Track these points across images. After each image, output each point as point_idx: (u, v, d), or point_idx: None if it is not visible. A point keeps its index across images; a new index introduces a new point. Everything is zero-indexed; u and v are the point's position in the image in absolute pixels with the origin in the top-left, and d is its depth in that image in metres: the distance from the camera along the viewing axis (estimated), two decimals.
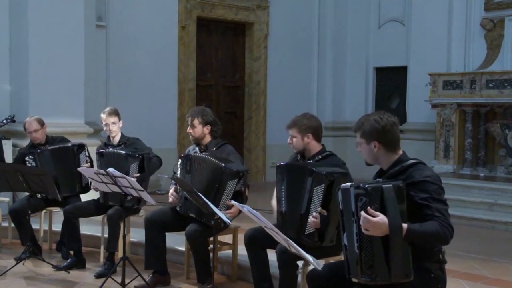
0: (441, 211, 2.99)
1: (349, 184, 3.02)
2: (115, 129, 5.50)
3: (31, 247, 5.41)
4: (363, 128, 3.19)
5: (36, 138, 5.77)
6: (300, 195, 3.99)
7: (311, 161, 4.15)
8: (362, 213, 2.88)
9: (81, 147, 5.80)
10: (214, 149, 4.91)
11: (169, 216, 4.93)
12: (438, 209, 2.98)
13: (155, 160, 5.42)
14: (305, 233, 3.95)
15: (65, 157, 5.73)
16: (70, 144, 5.81)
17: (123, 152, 5.23)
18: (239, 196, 4.62)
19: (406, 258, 2.93)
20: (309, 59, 11.32)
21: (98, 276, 5.14)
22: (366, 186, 2.92)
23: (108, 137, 5.58)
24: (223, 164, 4.60)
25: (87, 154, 5.78)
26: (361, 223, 2.88)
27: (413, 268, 2.96)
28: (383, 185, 2.92)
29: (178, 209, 4.86)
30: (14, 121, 7.24)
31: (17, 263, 5.29)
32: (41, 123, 5.81)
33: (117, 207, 5.22)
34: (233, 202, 4.02)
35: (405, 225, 2.90)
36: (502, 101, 8.29)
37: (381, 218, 2.86)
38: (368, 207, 2.88)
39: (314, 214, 3.84)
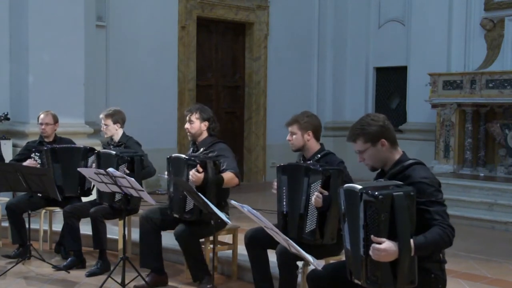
0: (440, 214, 2.98)
1: (357, 187, 2.95)
2: (107, 131, 5.58)
3: (24, 246, 5.47)
4: (366, 133, 3.16)
5: (45, 131, 5.84)
6: (299, 194, 4.02)
7: (310, 161, 4.17)
8: (373, 245, 2.83)
9: (92, 150, 5.84)
10: (204, 148, 4.90)
11: (164, 215, 4.93)
12: (437, 212, 2.97)
13: (149, 170, 5.41)
14: (306, 231, 3.97)
15: (74, 158, 5.75)
16: (82, 146, 5.86)
17: (113, 152, 5.23)
18: (204, 186, 4.60)
19: (413, 267, 2.91)
20: (309, 59, 11.32)
21: (90, 274, 5.18)
22: (376, 193, 2.83)
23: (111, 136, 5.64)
24: (184, 156, 4.69)
25: (94, 159, 5.79)
26: (371, 253, 2.84)
27: None
28: (394, 193, 2.86)
29: (167, 210, 4.88)
30: (8, 119, 7.24)
31: (15, 265, 5.30)
32: (55, 120, 5.89)
33: (100, 206, 5.31)
34: (233, 202, 4.02)
35: (412, 243, 2.86)
36: (502, 101, 8.29)
37: (388, 246, 2.82)
38: (372, 236, 2.83)
39: (316, 193, 3.85)
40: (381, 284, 2.89)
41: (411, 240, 2.87)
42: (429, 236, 2.92)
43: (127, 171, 5.07)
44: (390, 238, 2.85)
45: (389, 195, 2.85)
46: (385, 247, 2.81)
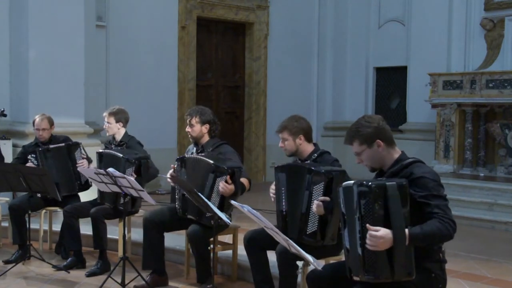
0: (441, 207, 2.99)
1: (351, 182, 3.01)
2: (109, 129, 5.57)
3: (23, 247, 5.49)
4: (361, 134, 3.18)
5: (41, 136, 5.82)
6: (300, 195, 4.01)
7: (308, 161, 4.17)
8: (369, 233, 2.85)
9: (75, 145, 5.82)
10: (211, 149, 4.91)
11: (168, 216, 4.94)
12: (437, 206, 2.99)
13: (152, 171, 5.41)
14: (307, 232, 3.97)
15: (61, 157, 5.76)
16: (63, 144, 5.83)
17: (120, 155, 5.19)
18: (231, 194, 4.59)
19: (409, 258, 2.93)
20: (309, 59, 11.32)
21: (90, 274, 5.19)
22: (370, 183, 2.91)
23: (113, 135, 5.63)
24: (212, 162, 4.63)
25: (82, 152, 5.80)
26: (367, 242, 2.86)
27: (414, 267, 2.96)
28: (387, 183, 2.91)
29: (177, 211, 4.86)
30: (5, 115, 7.24)
31: (15, 265, 5.32)
32: (51, 123, 5.87)
33: (101, 206, 5.30)
34: (233, 202, 4.02)
35: (407, 232, 2.88)
36: (502, 101, 8.29)
37: (385, 233, 2.84)
38: (367, 224, 2.86)
39: (316, 202, 3.85)
40: (378, 275, 2.91)
41: (406, 230, 2.89)
42: (425, 227, 2.93)
43: (135, 175, 5.06)
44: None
45: (382, 184, 2.91)
46: (382, 234, 2.84)
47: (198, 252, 4.75)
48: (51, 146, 5.79)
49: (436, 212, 2.97)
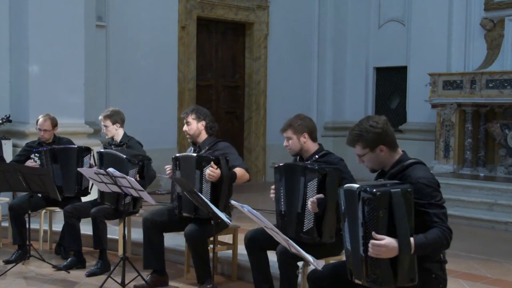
0: (439, 216, 2.99)
1: (355, 186, 2.96)
2: (108, 132, 5.58)
3: (23, 247, 5.49)
4: (365, 138, 3.15)
5: (43, 137, 5.85)
6: (296, 193, 4.03)
7: (308, 161, 4.16)
8: (371, 241, 2.84)
9: (87, 150, 5.82)
10: (207, 148, 4.91)
11: (167, 216, 4.93)
12: (436, 215, 2.99)
13: (153, 173, 5.41)
14: (304, 230, 3.98)
15: (69, 158, 5.75)
16: (76, 146, 5.84)
17: (123, 156, 5.18)
18: (219, 182, 4.61)
19: (412, 264, 2.92)
20: (309, 59, 11.33)
21: (90, 274, 5.18)
22: (374, 190, 2.86)
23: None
24: (195, 154, 4.68)
25: (91, 159, 5.80)
26: (370, 250, 2.85)
27: None
28: (392, 190, 2.87)
29: (174, 210, 4.87)
30: (10, 121, 7.24)
31: (15, 265, 5.31)
32: (54, 125, 5.88)
33: (101, 206, 5.29)
34: (233, 202, 4.02)
35: (412, 241, 2.88)
36: (502, 101, 8.29)
37: (388, 242, 2.83)
38: (373, 232, 2.84)
39: (311, 199, 3.86)
40: (381, 282, 2.89)
41: (411, 239, 2.88)
42: (429, 236, 2.93)
43: (137, 178, 5.05)
44: (388, 236, 2.86)
45: (387, 191, 2.87)
46: (385, 242, 2.83)
47: (196, 252, 4.75)
48: (56, 146, 5.79)
49: (436, 221, 2.98)
